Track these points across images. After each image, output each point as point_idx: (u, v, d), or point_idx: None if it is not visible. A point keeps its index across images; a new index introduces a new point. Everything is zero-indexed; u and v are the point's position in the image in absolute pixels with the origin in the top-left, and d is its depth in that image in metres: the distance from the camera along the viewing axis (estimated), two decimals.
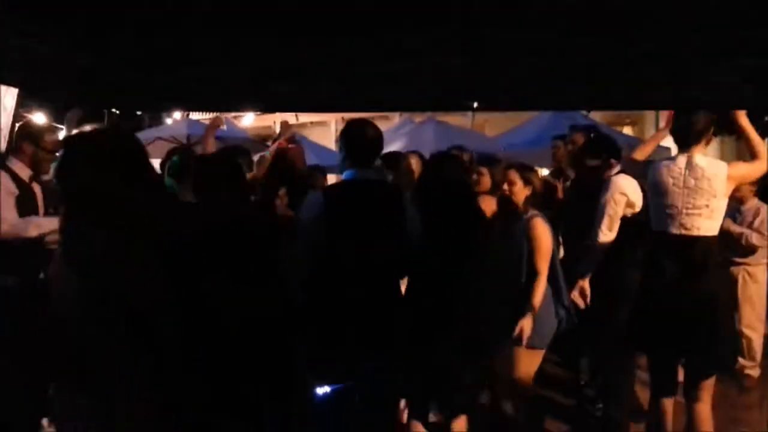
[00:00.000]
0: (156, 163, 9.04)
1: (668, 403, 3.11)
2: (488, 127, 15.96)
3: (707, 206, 2.94)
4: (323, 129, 18.77)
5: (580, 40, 2.24)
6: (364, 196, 2.68)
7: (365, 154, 2.72)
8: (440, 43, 2.09)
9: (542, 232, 3.23)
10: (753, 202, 4.59)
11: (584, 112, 10.43)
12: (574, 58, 2.40)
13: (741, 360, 4.60)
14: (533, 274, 3.19)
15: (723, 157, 3.46)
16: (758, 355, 4.66)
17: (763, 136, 12.13)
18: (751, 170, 3.10)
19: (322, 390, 1.52)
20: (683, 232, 2.95)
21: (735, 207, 4.46)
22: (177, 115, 13.93)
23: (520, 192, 3.31)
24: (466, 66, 2.40)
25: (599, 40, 2.22)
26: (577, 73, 2.60)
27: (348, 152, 2.72)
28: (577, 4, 1.85)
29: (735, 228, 4.47)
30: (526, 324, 3.09)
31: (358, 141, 2.72)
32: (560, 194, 4.53)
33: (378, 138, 2.74)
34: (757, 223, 4.52)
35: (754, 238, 4.47)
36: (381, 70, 2.38)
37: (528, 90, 2.75)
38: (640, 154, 3.38)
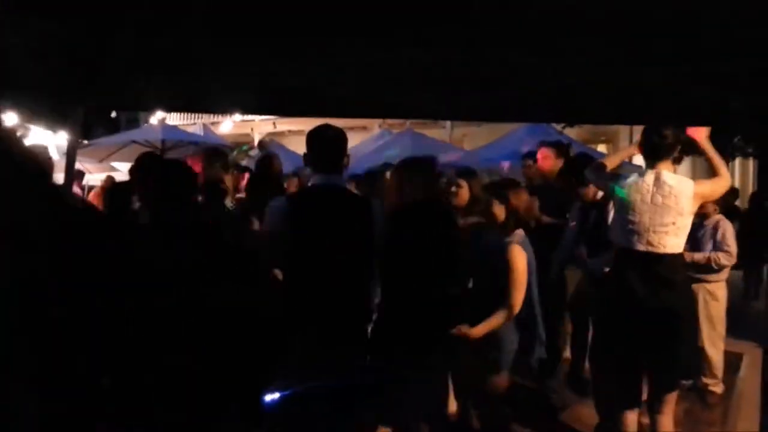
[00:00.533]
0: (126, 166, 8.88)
1: (632, 417, 3.14)
2: (467, 141, 16.12)
3: (674, 224, 2.98)
4: (302, 138, 18.74)
5: (549, 56, 2.28)
6: (327, 203, 2.65)
7: (327, 157, 2.68)
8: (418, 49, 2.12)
9: (518, 260, 3.04)
10: (715, 218, 4.64)
11: (559, 129, 10.56)
12: (542, 71, 2.44)
13: (704, 378, 4.65)
14: (504, 301, 3.05)
15: (695, 176, 3.50)
16: (720, 372, 4.72)
17: (733, 155, 12.37)
18: (715, 187, 3.15)
19: (270, 397, 1.49)
20: (650, 249, 2.98)
21: (698, 223, 4.47)
22: (153, 119, 13.81)
23: (498, 212, 3.16)
24: (440, 75, 2.42)
25: (572, 56, 2.26)
26: (546, 87, 2.63)
27: (311, 158, 2.70)
28: (543, 19, 1.89)
29: (698, 257, 4.49)
30: (466, 329, 2.99)
31: (319, 144, 2.69)
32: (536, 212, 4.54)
33: (338, 140, 2.69)
34: (719, 237, 4.56)
35: (722, 258, 4.51)
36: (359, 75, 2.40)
37: (495, 102, 2.78)
38: (610, 163, 3.42)
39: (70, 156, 2.69)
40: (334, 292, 2.55)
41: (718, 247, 4.52)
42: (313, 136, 2.71)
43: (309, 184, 2.75)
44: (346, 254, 2.59)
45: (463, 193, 3.90)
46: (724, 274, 4.66)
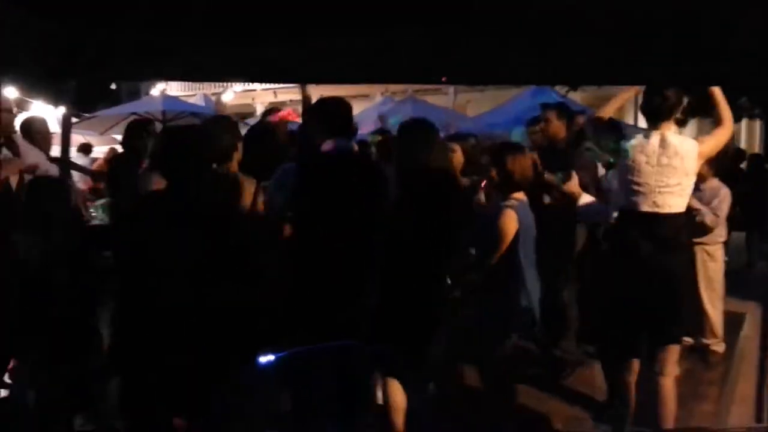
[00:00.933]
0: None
1: (631, 379, 3.18)
2: (470, 107, 16.01)
3: (679, 184, 2.99)
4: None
5: (552, 17, 2.26)
6: (341, 167, 2.65)
7: (336, 122, 2.70)
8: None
9: (507, 224, 3.07)
10: (713, 182, 4.62)
11: (563, 93, 10.46)
12: (543, 33, 2.41)
13: (704, 338, 4.67)
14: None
15: (700, 139, 3.48)
16: (720, 332, 4.76)
17: (739, 117, 12.28)
18: (716, 140, 3.12)
19: (265, 358, 1.52)
20: (655, 210, 3.00)
21: (695, 186, 4.42)
22: (155, 91, 13.74)
23: (494, 175, 3.20)
24: (438, 39, 2.40)
25: (572, 18, 2.24)
26: (548, 49, 2.61)
27: (319, 126, 2.71)
28: None
29: (694, 203, 4.49)
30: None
31: (325, 111, 2.72)
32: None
33: (344, 106, 2.76)
34: (714, 203, 4.55)
35: (708, 219, 4.50)
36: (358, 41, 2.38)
37: (496, 65, 2.75)
38: (605, 112, 3.39)
39: (66, 127, 2.69)
40: (344, 255, 2.54)
41: (713, 210, 4.51)
42: (317, 107, 2.76)
43: (321, 149, 2.72)
44: (358, 217, 2.58)
45: (458, 157, 3.93)
46: (722, 237, 4.66)
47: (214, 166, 3.23)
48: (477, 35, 2.30)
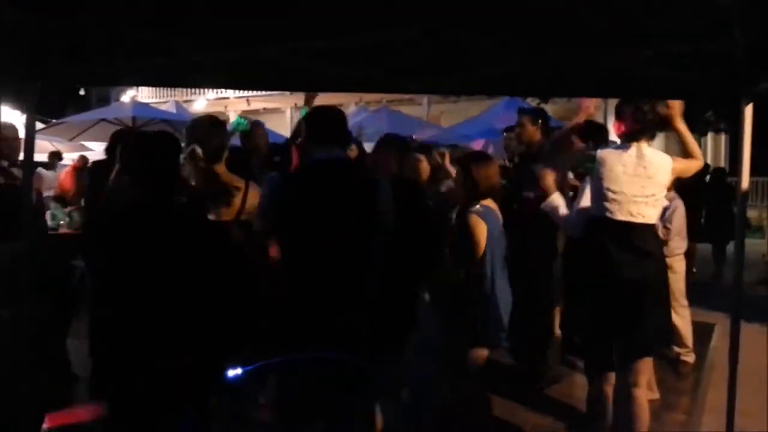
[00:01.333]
0: (101, 146, 8.75)
1: (609, 388, 3.18)
2: (444, 118, 16.12)
3: (653, 195, 3.04)
4: (278, 116, 18.57)
5: (523, 36, 2.28)
6: (329, 176, 2.55)
7: (329, 131, 2.63)
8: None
9: (477, 228, 3.18)
10: (670, 194, 4.71)
11: (534, 105, 10.57)
12: (520, 48, 2.43)
13: (675, 348, 4.76)
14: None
15: (667, 151, 3.54)
16: (690, 342, 4.85)
17: (704, 131, 12.51)
18: (689, 166, 3.23)
19: (233, 372, 1.47)
20: (630, 219, 3.03)
21: None
22: (125, 97, 13.53)
23: (460, 184, 3.32)
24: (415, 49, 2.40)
25: (546, 34, 2.26)
26: (523, 62, 2.63)
27: (311, 135, 2.65)
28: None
29: None
30: None
31: (319, 120, 2.68)
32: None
33: (338, 115, 2.70)
34: (667, 214, 4.63)
35: (659, 231, 4.58)
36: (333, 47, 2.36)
37: (471, 75, 2.76)
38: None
39: (29, 133, 2.60)
40: (334, 264, 2.45)
41: (663, 223, 4.59)
42: (308, 116, 2.74)
43: (311, 159, 2.66)
44: (347, 226, 2.48)
45: (424, 167, 3.99)
46: (680, 249, 4.74)
47: (202, 165, 3.23)
48: (453, 45, 2.32)
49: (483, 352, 3.25)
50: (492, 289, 3.18)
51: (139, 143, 2.30)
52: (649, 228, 3.09)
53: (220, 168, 3.31)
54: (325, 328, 2.43)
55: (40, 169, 6.02)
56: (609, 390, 3.17)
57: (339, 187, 2.53)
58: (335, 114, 2.70)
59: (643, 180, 3.02)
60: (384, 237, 2.58)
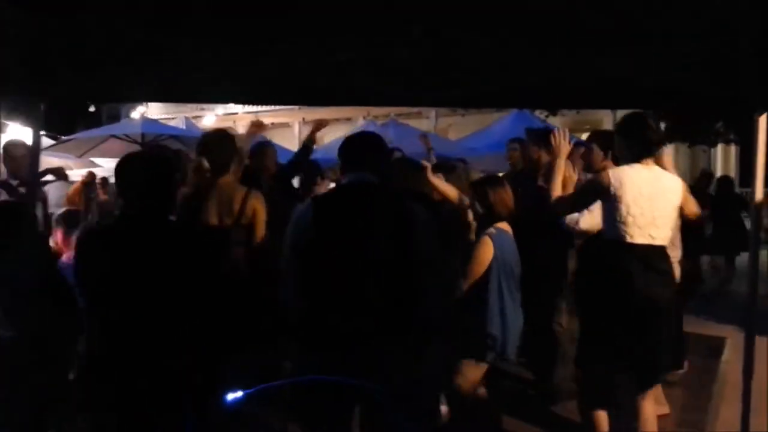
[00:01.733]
0: (110, 162, 8.77)
1: (603, 416, 3.11)
2: (452, 131, 16.14)
3: (669, 216, 2.99)
4: (286, 131, 18.69)
5: (533, 45, 2.26)
6: (356, 202, 2.55)
7: (355, 156, 2.65)
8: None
9: (481, 252, 3.22)
10: None
11: (543, 118, 10.57)
12: (529, 59, 2.42)
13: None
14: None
15: (677, 163, 3.48)
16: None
17: (714, 142, 12.32)
18: (690, 199, 3.19)
19: (233, 395, 1.45)
20: (651, 242, 2.94)
21: None
22: (135, 113, 13.66)
23: (477, 207, 3.42)
24: (421, 61, 2.40)
25: (553, 44, 2.25)
26: (532, 74, 2.61)
27: (342, 158, 2.69)
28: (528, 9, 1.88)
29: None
30: None
31: (347, 145, 2.71)
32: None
33: (368, 140, 2.79)
34: None
35: None
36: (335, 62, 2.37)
37: (480, 88, 2.75)
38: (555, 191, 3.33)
39: (34, 150, 2.62)
40: (357, 288, 2.44)
41: None
42: (345, 140, 2.77)
43: (341, 183, 2.72)
44: (372, 249, 2.46)
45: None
46: (675, 257, 4.67)
47: (208, 176, 3.23)
48: (461, 55, 2.31)
49: (475, 369, 3.26)
50: (500, 308, 3.21)
51: (125, 165, 2.31)
52: (665, 249, 3.01)
53: (226, 179, 3.35)
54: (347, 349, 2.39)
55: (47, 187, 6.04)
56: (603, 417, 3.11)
57: (364, 209, 2.52)
58: (368, 139, 2.79)
59: (662, 202, 2.97)
60: (420, 261, 2.52)
